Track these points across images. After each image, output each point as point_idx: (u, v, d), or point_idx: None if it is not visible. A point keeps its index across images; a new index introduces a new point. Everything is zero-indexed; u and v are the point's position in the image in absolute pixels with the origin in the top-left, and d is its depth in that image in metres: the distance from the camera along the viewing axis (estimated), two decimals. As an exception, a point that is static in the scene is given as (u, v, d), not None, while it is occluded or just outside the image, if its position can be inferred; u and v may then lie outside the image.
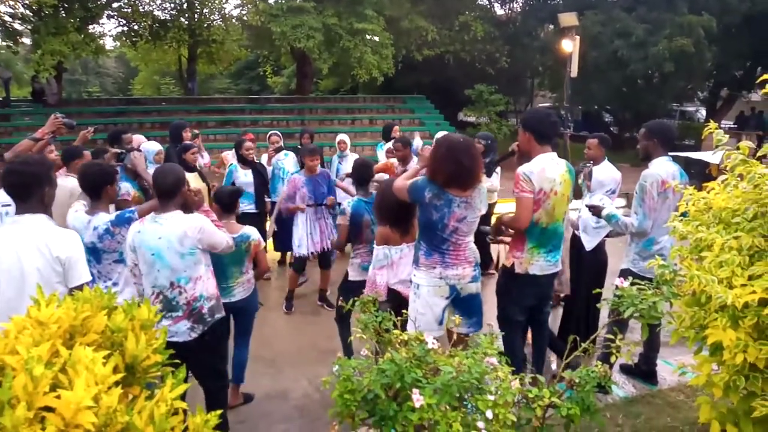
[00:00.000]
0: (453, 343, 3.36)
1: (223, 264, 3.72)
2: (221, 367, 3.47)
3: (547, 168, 3.41)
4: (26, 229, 2.61)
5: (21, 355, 1.22)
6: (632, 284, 2.46)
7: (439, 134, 6.77)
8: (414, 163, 6.69)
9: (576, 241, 4.54)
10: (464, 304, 3.47)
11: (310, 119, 19.17)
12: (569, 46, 13.74)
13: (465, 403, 2.26)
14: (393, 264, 3.79)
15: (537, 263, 3.52)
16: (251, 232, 3.88)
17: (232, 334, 3.89)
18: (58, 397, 1.15)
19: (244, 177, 6.40)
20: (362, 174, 4.64)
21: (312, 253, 5.75)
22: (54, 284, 2.57)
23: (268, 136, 7.48)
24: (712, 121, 2.91)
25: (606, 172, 4.46)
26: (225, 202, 3.93)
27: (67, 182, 4.34)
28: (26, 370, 1.16)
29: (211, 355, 3.30)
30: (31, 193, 2.66)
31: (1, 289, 2.57)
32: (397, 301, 3.71)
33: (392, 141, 6.97)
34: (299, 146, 7.56)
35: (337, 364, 2.42)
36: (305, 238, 5.70)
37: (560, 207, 3.50)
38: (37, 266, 2.56)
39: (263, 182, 6.52)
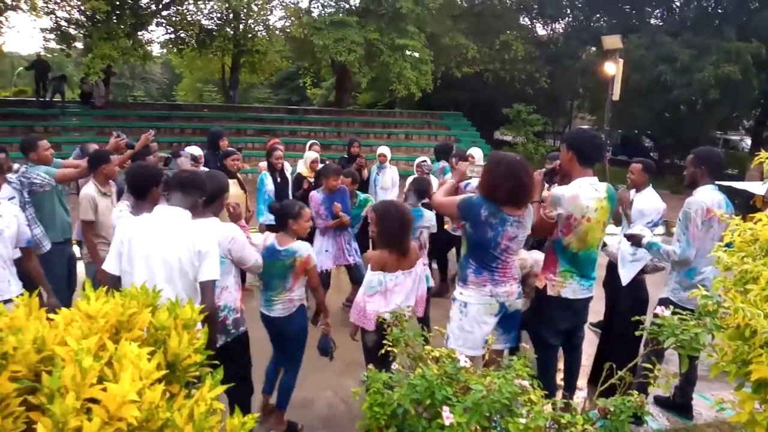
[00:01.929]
0: (486, 362, 3.32)
1: (267, 274, 3.69)
2: (244, 374, 3.47)
3: (581, 194, 3.35)
4: (174, 221, 2.77)
5: (70, 346, 1.26)
6: (673, 314, 2.39)
7: (474, 149, 6.79)
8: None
9: (614, 273, 4.39)
10: (508, 321, 3.46)
11: (346, 132, 19.35)
12: (612, 68, 13.60)
13: (495, 424, 2.22)
14: (387, 291, 3.57)
15: (570, 286, 3.46)
16: (300, 248, 3.70)
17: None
18: (105, 389, 1.19)
19: (271, 186, 6.42)
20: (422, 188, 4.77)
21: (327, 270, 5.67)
22: (189, 276, 2.73)
23: (308, 145, 7.55)
24: (763, 150, 2.83)
25: (647, 201, 4.29)
26: (276, 216, 3.87)
27: (88, 190, 4.41)
28: (76, 361, 1.20)
29: (231, 363, 3.32)
30: (192, 193, 2.86)
31: (137, 272, 2.72)
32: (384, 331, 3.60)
33: (421, 161, 6.93)
34: (346, 156, 7.59)
35: (367, 376, 2.41)
36: (322, 254, 5.60)
37: (594, 234, 3.42)
38: (179, 256, 2.71)
39: (286, 192, 6.50)
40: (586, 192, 3.36)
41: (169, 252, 2.71)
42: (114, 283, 2.72)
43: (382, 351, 2.60)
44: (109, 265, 2.80)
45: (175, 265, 2.72)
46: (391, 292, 3.56)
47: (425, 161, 6.74)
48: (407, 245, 3.63)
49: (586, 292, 3.53)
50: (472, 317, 3.36)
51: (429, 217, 4.94)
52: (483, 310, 3.36)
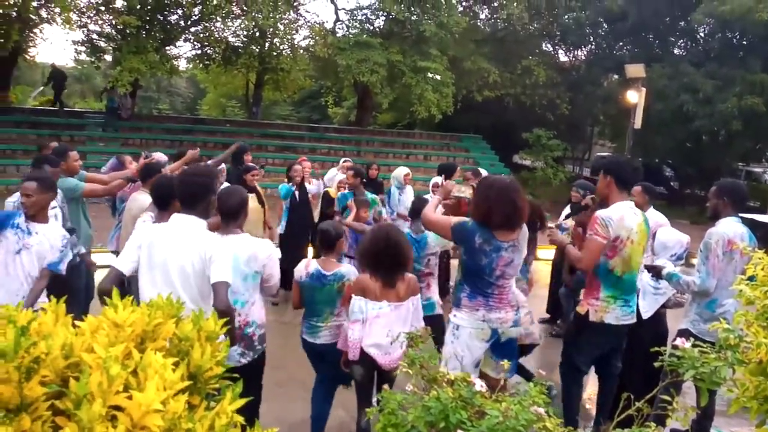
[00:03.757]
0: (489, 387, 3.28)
1: (314, 301, 3.65)
2: (259, 390, 3.45)
3: (626, 216, 3.42)
4: (189, 229, 2.86)
5: (97, 353, 1.29)
6: (693, 346, 2.37)
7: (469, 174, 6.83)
8: None
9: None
10: (502, 349, 3.36)
11: (366, 151, 19.48)
12: (635, 97, 13.59)
13: (509, 451, 2.20)
14: (366, 321, 3.36)
15: (612, 312, 3.45)
16: (349, 272, 3.66)
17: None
18: (130, 397, 1.21)
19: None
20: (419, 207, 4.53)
21: None
22: (202, 280, 2.82)
23: (341, 161, 7.72)
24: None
25: (670, 234, 4.24)
26: (321, 240, 3.79)
27: (140, 198, 4.54)
28: (104, 368, 1.23)
29: (254, 381, 3.32)
30: (199, 200, 2.92)
31: (156, 277, 2.83)
32: (371, 368, 3.42)
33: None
34: (365, 179, 7.66)
35: (382, 396, 2.41)
36: None
37: (636, 256, 3.48)
38: (192, 261, 2.81)
39: (306, 208, 6.71)
40: (629, 214, 3.42)
41: (182, 258, 2.81)
42: (114, 278, 2.79)
43: (397, 372, 2.58)
44: (120, 263, 2.87)
45: (189, 270, 2.81)
46: (372, 324, 3.35)
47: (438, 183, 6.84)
48: (393, 274, 3.41)
49: (629, 318, 3.53)
50: (464, 341, 3.29)
51: (434, 244, 4.49)
52: (474, 335, 3.28)
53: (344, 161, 7.71)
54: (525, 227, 3.36)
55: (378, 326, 3.33)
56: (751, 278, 2.70)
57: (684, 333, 3.67)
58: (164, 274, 2.82)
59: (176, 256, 2.82)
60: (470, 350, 3.30)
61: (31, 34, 18.49)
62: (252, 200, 6.20)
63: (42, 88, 25.17)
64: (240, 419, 1.39)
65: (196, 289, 2.84)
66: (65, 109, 19.36)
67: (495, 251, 3.18)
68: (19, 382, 1.20)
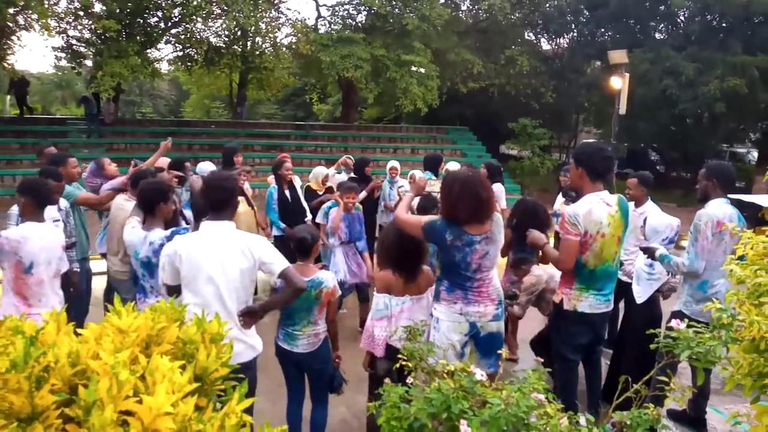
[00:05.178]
0: None
1: (291, 308, 3.52)
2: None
3: (593, 209, 3.37)
4: (226, 234, 2.94)
5: (104, 360, 1.30)
6: (688, 326, 2.41)
7: (451, 164, 6.87)
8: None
9: (627, 291, 4.39)
10: (484, 343, 3.35)
11: (353, 147, 19.47)
12: (618, 83, 13.66)
13: (511, 437, 2.23)
14: (392, 317, 3.47)
15: (585, 301, 3.47)
16: (327, 278, 3.56)
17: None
18: (140, 401, 1.22)
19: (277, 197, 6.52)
20: (427, 206, 4.49)
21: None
22: (248, 285, 2.95)
23: (344, 158, 7.74)
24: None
25: (661, 218, 4.26)
26: (297, 247, 3.62)
27: (125, 206, 4.50)
28: (113, 374, 1.23)
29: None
30: (228, 205, 3.01)
31: (201, 288, 2.88)
32: (396, 360, 3.51)
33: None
34: (355, 176, 7.66)
35: (384, 390, 2.43)
36: (343, 266, 5.69)
37: (609, 248, 3.44)
38: (240, 267, 2.89)
39: (298, 205, 6.58)
40: (597, 207, 3.38)
41: (229, 265, 2.89)
42: (171, 291, 2.96)
43: (396, 366, 2.60)
44: (167, 278, 3.00)
45: (237, 276, 2.90)
46: (397, 318, 3.46)
47: (427, 176, 6.86)
48: (415, 270, 3.52)
49: (603, 306, 3.53)
50: (443, 334, 3.29)
51: None
52: (452, 328, 3.28)
53: (346, 158, 7.75)
54: (498, 216, 3.33)
55: (403, 320, 3.42)
56: (741, 258, 2.75)
57: (677, 314, 3.73)
58: (212, 283, 2.87)
59: (221, 263, 2.87)
60: (451, 343, 3.28)
61: (9, 42, 18.24)
62: (242, 204, 6.16)
63: (8, 96, 24.93)
64: (249, 419, 1.41)
65: (243, 292, 2.94)
66: (25, 116, 19.36)
67: (468, 246, 3.16)
68: (30, 392, 1.21)
